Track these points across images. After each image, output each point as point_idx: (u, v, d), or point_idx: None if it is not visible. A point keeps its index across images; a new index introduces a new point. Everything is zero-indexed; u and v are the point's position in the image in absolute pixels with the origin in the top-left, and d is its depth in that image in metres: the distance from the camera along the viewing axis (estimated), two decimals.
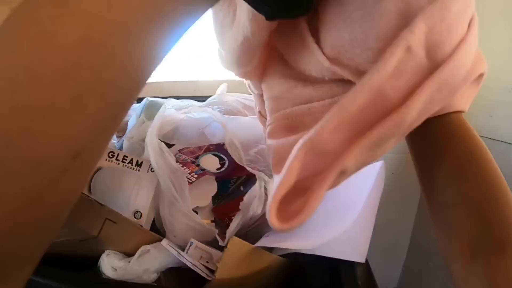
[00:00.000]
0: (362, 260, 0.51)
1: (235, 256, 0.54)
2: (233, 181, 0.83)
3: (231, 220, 0.67)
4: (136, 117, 0.84)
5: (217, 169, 0.76)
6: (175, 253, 0.58)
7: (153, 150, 0.66)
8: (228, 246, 0.54)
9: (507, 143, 1.40)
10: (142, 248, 0.58)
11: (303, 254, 0.55)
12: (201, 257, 0.62)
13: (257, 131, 0.74)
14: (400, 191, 1.65)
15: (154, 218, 0.69)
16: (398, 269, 1.89)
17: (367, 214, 0.55)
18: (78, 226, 0.54)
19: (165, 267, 0.59)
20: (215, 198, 0.77)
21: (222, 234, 0.66)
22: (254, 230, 0.70)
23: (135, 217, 0.63)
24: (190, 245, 0.62)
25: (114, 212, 0.58)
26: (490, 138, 1.45)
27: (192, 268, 0.57)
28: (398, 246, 1.84)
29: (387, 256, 1.80)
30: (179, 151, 0.81)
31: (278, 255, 0.60)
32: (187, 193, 0.64)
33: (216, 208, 0.75)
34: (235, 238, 0.55)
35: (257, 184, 0.67)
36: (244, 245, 0.55)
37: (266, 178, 0.69)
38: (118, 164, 0.68)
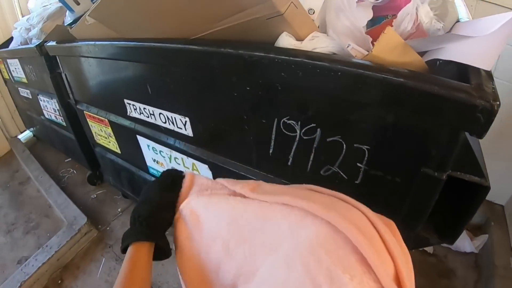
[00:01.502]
0: (489, 68, 0.57)
1: (388, 41, 0.65)
2: (386, 19, 0.92)
3: None
4: None
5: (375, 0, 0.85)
6: (338, 41, 0.72)
7: None
8: (385, 31, 0.65)
9: None
10: (314, 33, 0.74)
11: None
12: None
13: None
14: None
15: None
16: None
17: (499, 35, 0.60)
18: (270, 1, 0.70)
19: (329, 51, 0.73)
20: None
21: None
22: None
23: (309, 13, 0.77)
24: (348, 46, 0.76)
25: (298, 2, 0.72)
26: None
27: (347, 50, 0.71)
28: None
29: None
30: None
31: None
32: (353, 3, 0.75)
33: (370, 31, 0.86)
34: (390, 28, 0.66)
35: (411, 3, 0.75)
36: (397, 36, 0.66)
37: (419, 2, 0.76)
38: None
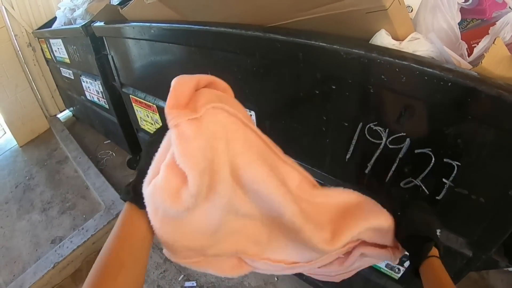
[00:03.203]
0: None
1: (496, 53, 0.59)
2: (466, 22, 0.86)
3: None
4: None
5: (463, 1, 0.78)
6: (439, 46, 0.66)
7: None
8: (495, 43, 0.59)
9: None
10: (414, 34, 0.68)
11: None
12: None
13: None
14: None
15: None
16: None
17: None
18: None
19: (428, 55, 0.67)
20: None
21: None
22: None
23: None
24: None
25: None
26: None
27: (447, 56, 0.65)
28: None
29: None
30: None
31: None
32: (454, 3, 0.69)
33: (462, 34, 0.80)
34: (500, 39, 0.60)
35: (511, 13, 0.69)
36: (505, 48, 0.60)
37: None
38: None
